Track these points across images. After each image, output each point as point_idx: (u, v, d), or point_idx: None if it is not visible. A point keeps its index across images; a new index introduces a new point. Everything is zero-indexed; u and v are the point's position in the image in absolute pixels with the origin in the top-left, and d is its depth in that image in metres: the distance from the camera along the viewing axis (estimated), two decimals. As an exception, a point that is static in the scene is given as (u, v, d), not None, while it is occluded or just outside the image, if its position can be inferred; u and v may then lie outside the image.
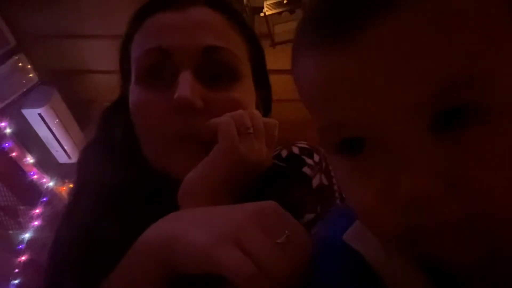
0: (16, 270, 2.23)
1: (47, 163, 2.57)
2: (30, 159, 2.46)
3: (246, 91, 0.58)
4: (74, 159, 2.64)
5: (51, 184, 2.48)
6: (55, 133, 2.53)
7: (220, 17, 0.57)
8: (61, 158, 2.66)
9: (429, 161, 0.26)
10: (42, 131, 2.52)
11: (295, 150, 0.59)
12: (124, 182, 0.54)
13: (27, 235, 2.28)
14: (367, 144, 0.29)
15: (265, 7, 2.06)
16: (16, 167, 2.42)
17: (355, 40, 0.27)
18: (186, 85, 0.51)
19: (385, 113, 0.27)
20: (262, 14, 2.06)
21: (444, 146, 0.26)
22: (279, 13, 2.13)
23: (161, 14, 0.56)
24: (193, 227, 0.39)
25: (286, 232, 0.39)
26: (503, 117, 0.25)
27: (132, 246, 0.42)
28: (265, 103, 0.65)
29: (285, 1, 2.06)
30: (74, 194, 0.58)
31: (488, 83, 0.25)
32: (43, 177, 2.51)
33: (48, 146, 2.61)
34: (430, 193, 0.25)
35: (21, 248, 2.26)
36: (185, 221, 0.41)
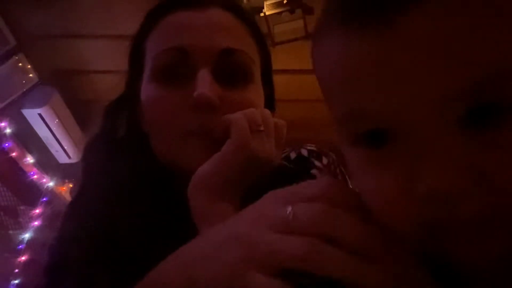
0: (16, 270, 2.23)
1: (47, 163, 2.57)
2: (30, 159, 2.46)
3: (257, 92, 0.59)
4: (74, 159, 2.64)
5: (51, 184, 2.48)
6: (55, 133, 2.53)
7: (235, 19, 0.59)
8: (61, 158, 2.66)
9: (456, 155, 0.25)
10: (42, 131, 2.52)
11: (304, 152, 0.60)
12: (129, 177, 0.55)
13: (27, 235, 2.28)
14: (390, 135, 0.28)
15: (265, 7, 2.06)
16: (16, 167, 2.42)
17: (392, 23, 0.25)
18: (206, 83, 0.52)
19: (415, 103, 0.26)
20: (262, 14, 2.07)
21: (472, 141, 0.25)
22: (279, 13, 2.13)
23: (180, 13, 0.57)
24: (207, 264, 0.36)
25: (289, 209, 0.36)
26: None
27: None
28: (268, 102, 0.66)
29: (285, 1, 2.06)
30: (79, 189, 0.58)
31: None
32: (43, 177, 2.51)
33: (48, 146, 2.61)
34: (454, 186, 0.25)
35: (21, 248, 2.26)
36: (196, 258, 0.38)
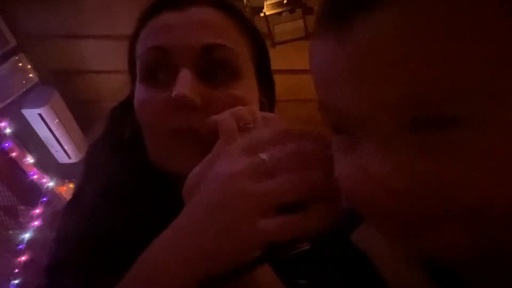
0: (16, 270, 2.24)
1: (47, 163, 2.57)
2: (30, 159, 2.46)
3: (247, 89, 0.58)
4: (74, 159, 2.64)
5: (51, 184, 2.48)
6: (55, 133, 2.53)
7: (221, 15, 0.58)
8: (61, 158, 2.67)
9: (403, 157, 0.26)
10: (42, 131, 2.53)
11: None
12: (130, 178, 0.55)
13: (27, 235, 2.28)
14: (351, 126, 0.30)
15: (265, 7, 2.07)
16: (16, 167, 2.42)
17: (351, 26, 0.27)
18: (184, 83, 0.52)
19: (364, 106, 0.27)
20: (262, 14, 2.08)
21: (420, 145, 0.26)
22: (279, 13, 2.14)
23: (164, 14, 0.57)
24: (206, 232, 0.37)
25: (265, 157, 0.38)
26: (486, 125, 0.24)
27: (136, 270, 0.41)
28: (268, 102, 0.66)
29: (285, 1, 2.07)
30: (78, 189, 0.59)
31: (473, 95, 0.24)
32: (43, 177, 2.51)
33: (48, 146, 2.61)
34: (405, 187, 0.26)
35: (21, 248, 2.26)
36: (189, 232, 0.39)
